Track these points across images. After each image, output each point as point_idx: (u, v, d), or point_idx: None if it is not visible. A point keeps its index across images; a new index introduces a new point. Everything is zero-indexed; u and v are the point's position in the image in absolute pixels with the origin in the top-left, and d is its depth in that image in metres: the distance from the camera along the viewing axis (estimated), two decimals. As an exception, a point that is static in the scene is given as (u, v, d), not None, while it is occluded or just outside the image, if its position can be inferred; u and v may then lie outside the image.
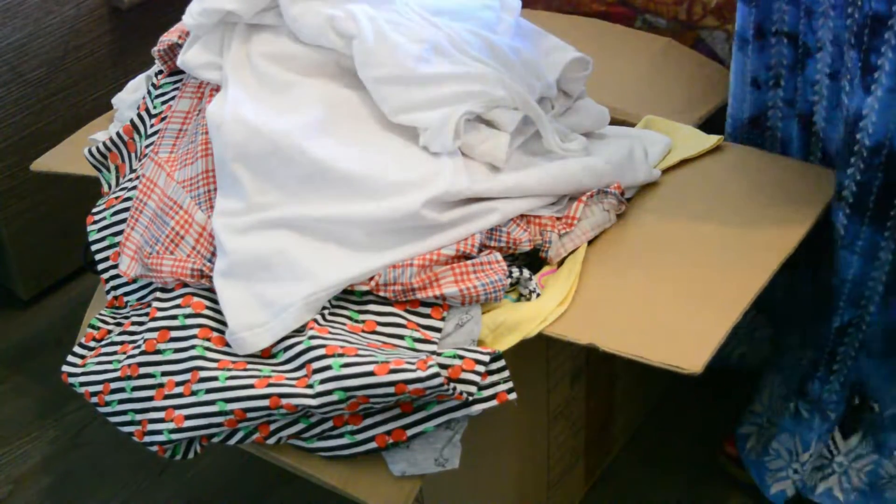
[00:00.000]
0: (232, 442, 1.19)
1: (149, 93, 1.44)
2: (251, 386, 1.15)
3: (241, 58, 1.32)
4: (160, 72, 1.44)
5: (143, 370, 1.22)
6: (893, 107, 1.20)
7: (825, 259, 1.37)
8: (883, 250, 1.29)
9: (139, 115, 1.43)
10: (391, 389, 1.11)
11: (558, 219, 1.27)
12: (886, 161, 1.23)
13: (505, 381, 1.15)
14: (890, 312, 1.33)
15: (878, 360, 1.37)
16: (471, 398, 1.14)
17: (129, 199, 1.36)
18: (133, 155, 1.43)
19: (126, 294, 1.33)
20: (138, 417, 1.22)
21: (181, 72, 1.41)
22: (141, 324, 1.27)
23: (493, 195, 1.24)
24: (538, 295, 1.22)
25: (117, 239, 1.35)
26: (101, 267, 1.36)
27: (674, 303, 1.19)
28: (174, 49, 1.41)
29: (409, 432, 1.14)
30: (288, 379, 1.15)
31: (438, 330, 1.19)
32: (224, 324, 1.20)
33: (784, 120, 1.39)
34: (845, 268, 1.31)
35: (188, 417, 1.17)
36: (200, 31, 1.34)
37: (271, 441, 1.18)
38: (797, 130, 1.39)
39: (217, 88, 1.33)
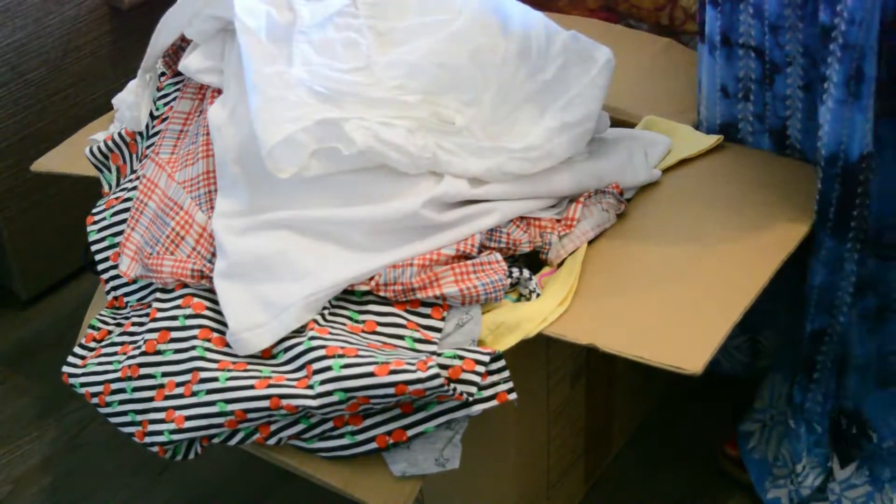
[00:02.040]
0: (232, 442, 1.19)
1: (153, 89, 1.44)
2: (251, 387, 1.15)
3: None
4: (163, 73, 1.44)
5: (143, 371, 1.22)
6: (844, 118, 1.21)
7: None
8: (847, 261, 1.29)
9: (141, 117, 1.43)
10: (391, 390, 1.11)
11: (558, 220, 1.27)
12: (842, 172, 1.24)
13: (505, 381, 1.15)
14: (862, 328, 1.34)
15: (873, 388, 1.37)
16: (471, 398, 1.14)
17: (129, 199, 1.36)
18: (134, 156, 1.43)
19: (126, 294, 1.33)
20: (139, 418, 1.22)
21: (183, 74, 1.41)
22: (141, 324, 1.27)
23: (492, 197, 1.24)
24: (538, 295, 1.22)
25: (117, 239, 1.35)
26: (101, 267, 1.36)
27: (674, 303, 1.19)
28: (178, 52, 1.41)
29: (410, 433, 1.14)
30: (288, 380, 1.15)
31: (439, 330, 1.19)
32: (224, 324, 1.20)
33: (755, 134, 1.39)
34: (813, 275, 1.32)
35: (188, 418, 1.17)
36: (201, 38, 1.34)
37: (272, 442, 1.18)
38: (769, 146, 1.39)
39: (218, 90, 1.33)
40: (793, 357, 1.45)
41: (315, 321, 1.19)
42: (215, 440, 1.19)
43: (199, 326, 1.21)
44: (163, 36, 1.37)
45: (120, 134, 1.44)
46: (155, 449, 1.21)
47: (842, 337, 1.35)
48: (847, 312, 1.33)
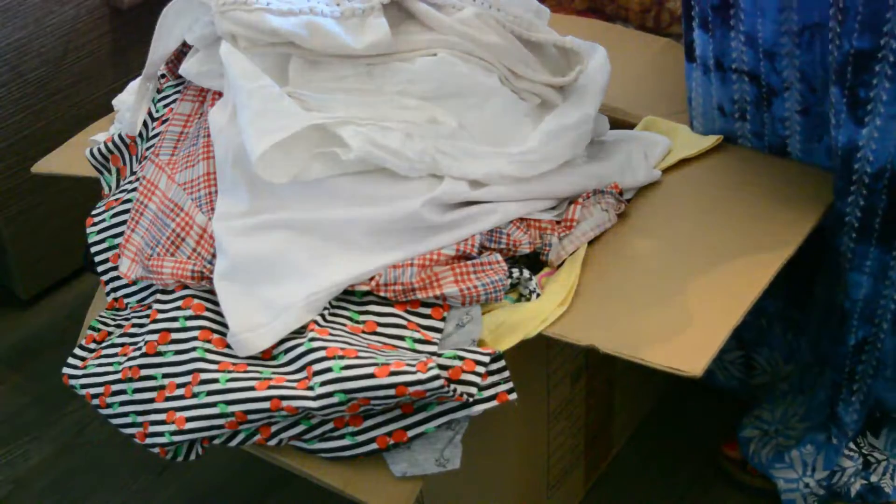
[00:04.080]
0: (233, 444, 1.19)
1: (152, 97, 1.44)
2: (252, 388, 1.15)
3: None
4: (163, 76, 1.45)
5: (144, 372, 1.22)
6: (893, 133, 1.22)
7: (828, 279, 1.37)
8: (892, 269, 1.30)
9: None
10: (391, 391, 1.11)
11: (558, 222, 1.27)
12: (889, 184, 1.25)
13: (505, 381, 1.16)
14: None
15: (892, 382, 1.38)
16: (471, 399, 1.14)
17: (128, 200, 1.36)
18: (134, 158, 1.43)
19: (126, 296, 1.33)
20: (140, 419, 1.22)
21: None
22: (141, 326, 1.27)
23: (492, 199, 1.24)
24: (538, 295, 1.22)
25: (117, 241, 1.35)
26: (100, 269, 1.36)
27: (674, 304, 1.19)
28: (179, 56, 1.41)
29: (410, 433, 1.15)
30: (289, 381, 1.15)
31: (439, 330, 1.19)
32: (225, 326, 1.21)
33: (753, 151, 1.40)
34: (856, 289, 1.32)
35: (189, 419, 1.18)
36: (202, 43, 1.33)
37: (272, 443, 1.18)
38: None
39: (219, 93, 1.33)
40: (814, 377, 1.45)
41: (315, 322, 1.19)
42: (216, 441, 1.19)
43: (200, 328, 1.21)
44: (162, 43, 1.37)
45: (120, 136, 1.44)
46: (156, 450, 1.21)
47: (883, 347, 1.36)
48: (890, 321, 1.34)
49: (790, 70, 1.30)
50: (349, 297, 1.22)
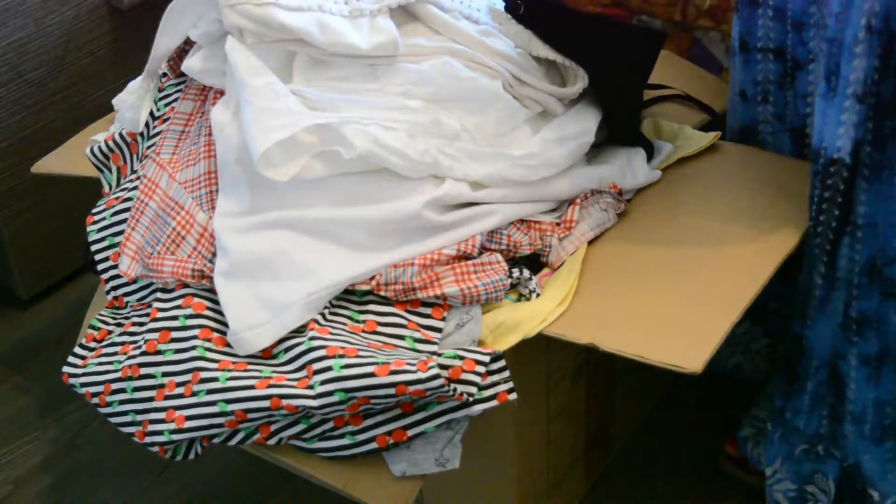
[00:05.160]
0: (233, 442, 1.19)
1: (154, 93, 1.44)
2: (252, 387, 1.15)
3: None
4: (164, 74, 1.45)
5: (143, 371, 1.22)
6: (826, 114, 1.20)
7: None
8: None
9: (142, 118, 1.43)
10: (392, 391, 1.11)
11: (557, 224, 1.27)
12: (822, 170, 1.22)
13: (505, 381, 1.16)
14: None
15: (870, 443, 1.33)
16: (471, 398, 1.14)
17: (129, 199, 1.36)
18: (135, 156, 1.43)
19: (126, 294, 1.33)
20: (139, 418, 1.22)
21: (186, 75, 1.41)
22: (141, 324, 1.27)
23: (493, 200, 1.24)
24: (538, 295, 1.22)
25: (117, 239, 1.35)
26: (101, 267, 1.36)
27: (674, 302, 1.19)
28: (181, 54, 1.41)
29: (410, 432, 1.15)
30: (288, 380, 1.15)
31: (439, 330, 1.19)
32: (225, 324, 1.21)
33: (774, 135, 1.40)
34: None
35: (189, 418, 1.18)
36: (205, 40, 1.33)
37: (272, 442, 1.18)
38: (789, 145, 1.39)
39: (221, 91, 1.33)
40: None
41: (315, 321, 1.19)
42: (216, 440, 1.19)
43: (200, 326, 1.21)
44: (165, 39, 1.37)
45: (121, 134, 1.44)
46: (155, 449, 1.21)
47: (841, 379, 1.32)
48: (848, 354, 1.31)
49: (816, 41, 1.30)
50: (349, 296, 1.22)
